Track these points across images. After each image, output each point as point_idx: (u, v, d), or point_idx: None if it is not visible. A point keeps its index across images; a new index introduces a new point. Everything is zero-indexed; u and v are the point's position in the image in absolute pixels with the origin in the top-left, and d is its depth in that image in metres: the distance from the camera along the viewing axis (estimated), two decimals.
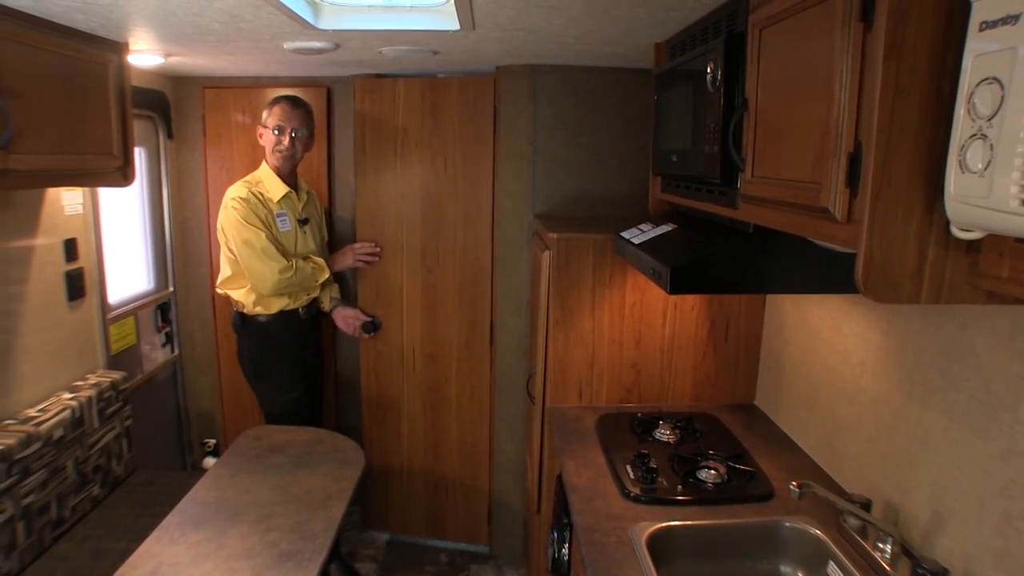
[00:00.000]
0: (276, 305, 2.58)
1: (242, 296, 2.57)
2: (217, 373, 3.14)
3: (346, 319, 2.79)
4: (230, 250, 2.51)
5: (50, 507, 1.98)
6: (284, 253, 2.52)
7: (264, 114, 2.52)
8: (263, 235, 2.45)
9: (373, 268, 2.80)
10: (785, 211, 1.12)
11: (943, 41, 0.81)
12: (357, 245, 2.77)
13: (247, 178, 2.55)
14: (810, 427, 1.82)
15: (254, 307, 2.57)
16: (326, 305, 2.78)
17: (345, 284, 2.93)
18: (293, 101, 2.52)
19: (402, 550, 3.02)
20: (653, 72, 1.87)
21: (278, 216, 2.54)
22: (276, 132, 2.48)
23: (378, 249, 2.78)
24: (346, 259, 2.75)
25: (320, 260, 2.65)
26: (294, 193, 2.59)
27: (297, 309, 2.63)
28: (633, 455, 1.75)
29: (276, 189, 2.53)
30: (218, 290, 2.65)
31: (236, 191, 2.49)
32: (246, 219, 2.44)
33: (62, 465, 2.03)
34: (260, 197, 2.50)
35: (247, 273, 2.50)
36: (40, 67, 1.66)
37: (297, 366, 2.68)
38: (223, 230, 2.50)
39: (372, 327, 2.81)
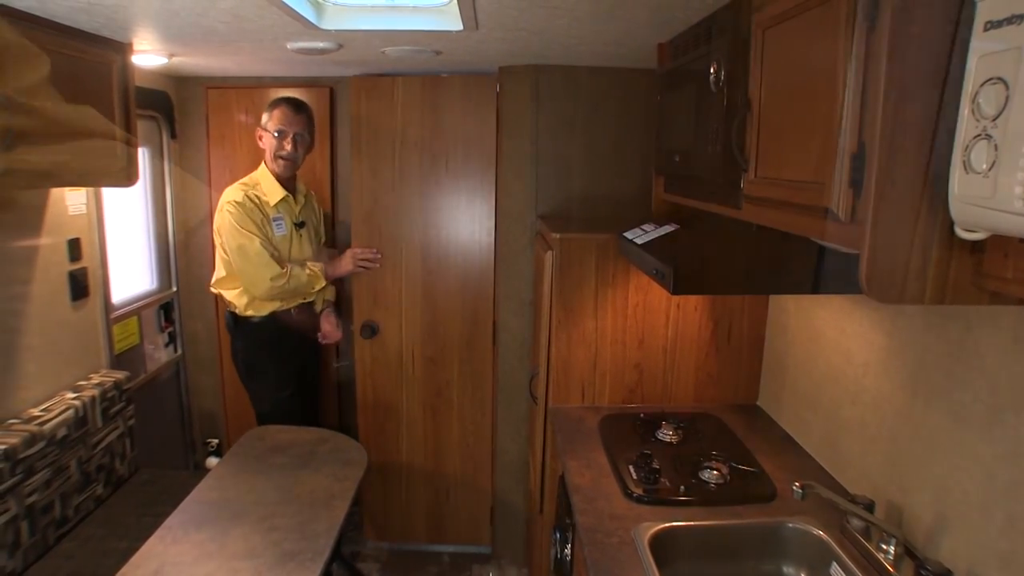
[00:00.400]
0: (269, 307, 2.57)
1: (235, 297, 2.56)
2: (220, 373, 3.15)
3: (329, 327, 2.73)
4: (225, 252, 2.51)
5: (53, 506, 1.99)
6: (279, 259, 2.50)
7: (264, 117, 2.51)
8: (256, 241, 2.43)
9: (370, 272, 2.76)
10: (788, 211, 1.12)
11: (947, 41, 0.80)
12: (358, 250, 2.71)
13: (244, 180, 2.54)
14: (813, 428, 1.82)
15: (246, 308, 2.56)
16: (318, 306, 2.76)
17: (342, 287, 2.92)
18: (295, 104, 2.51)
19: (404, 550, 3.02)
20: (656, 72, 1.87)
21: (274, 220, 2.53)
22: (277, 136, 2.47)
23: (379, 256, 2.74)
24: (345, 265, 2.69)
25: (317, 268, 2.60)
26: (291, 197, 2.58)
27: (290, 310, 2.62)
28: (636, 455, 1.75)
29: (273, 193, 2.52)
30: (212, 289, 2.65)
31: (231, 194, 2.48)
32: (241, 224, 2.43)
33: (65, 464, 2.04)
34: (256, 200, 2.48)
35: (240, 277, 2.50)
36: None
37: (289, 366, 2.67)
38: (219, 232, 2.50)
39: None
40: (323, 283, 2.63)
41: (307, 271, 2.57)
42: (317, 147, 2.75)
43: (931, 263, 0.87)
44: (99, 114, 1.89)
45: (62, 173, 1.81)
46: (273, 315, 2.59)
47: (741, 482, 1.65)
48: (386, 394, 2.88)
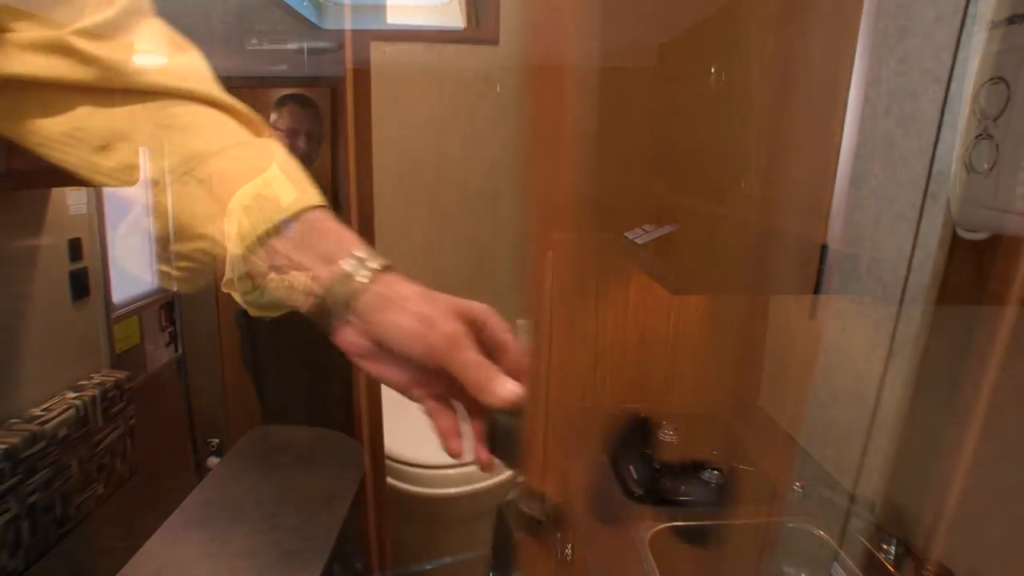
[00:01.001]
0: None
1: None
2: (221, 373, 3.14)
3: None
4: None
5: (54, 506, 1.99)
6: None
7: (273, 116, 2.51)
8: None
9: None
10: (788, 211, 1.12)
11: (949, 40, 0.80)
12: None
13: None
14: (813, 428, 1.81)
15: None
16: None
17: None
18: (302, 101, 2.51)
19: (403, 549, 3.02)
20: (657, 72, 1.87)
21: None
22: (288, 134, 2.47)
23: None
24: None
25: (300, 283, 2.58)
26: None
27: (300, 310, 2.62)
28: (636, 455, 1.74)
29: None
30: (223, 288, 2.65)
31: None
32: None
33: (66, 464, 2.04)
34: None
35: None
36: None
37: (298, 363, 2.67)
38: None
39: None
40: (302, 300, 2.61)
41: (286, 283, 2.55)
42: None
43: (932, 263, 0.87)
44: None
45: (63, 173, 1.77)
46: (283, 316, 2.58)
47: (741, 482, 1.65)
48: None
